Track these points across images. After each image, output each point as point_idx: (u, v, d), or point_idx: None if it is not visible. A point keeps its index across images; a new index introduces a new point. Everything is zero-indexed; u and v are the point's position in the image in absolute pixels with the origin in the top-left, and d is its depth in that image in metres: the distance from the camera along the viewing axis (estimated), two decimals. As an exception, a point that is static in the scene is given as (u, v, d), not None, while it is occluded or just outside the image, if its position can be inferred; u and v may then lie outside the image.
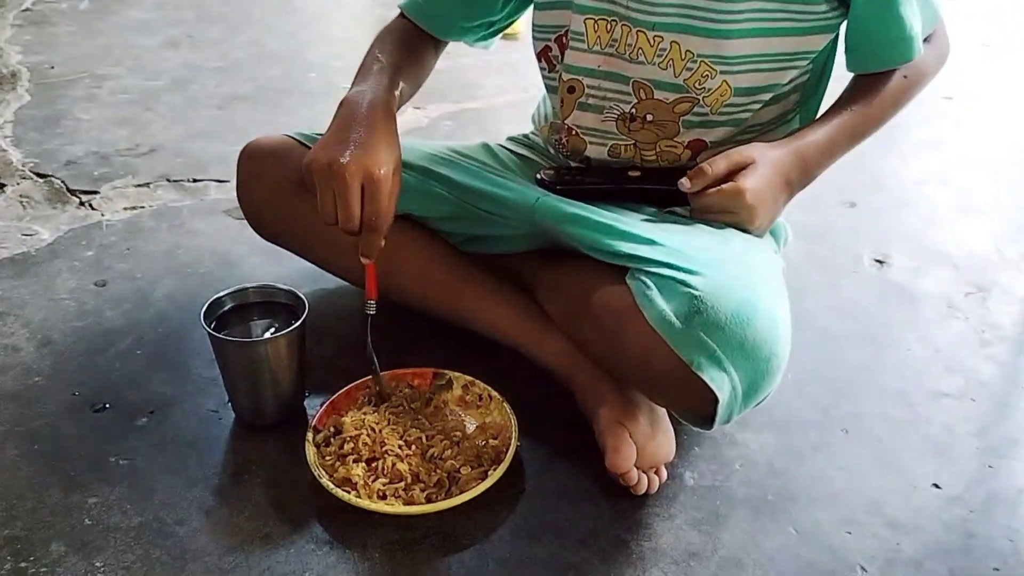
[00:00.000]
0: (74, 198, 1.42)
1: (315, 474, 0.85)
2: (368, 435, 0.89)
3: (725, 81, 0.91)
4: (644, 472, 0.86)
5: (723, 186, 0.87)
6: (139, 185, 1.46)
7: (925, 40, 0.94)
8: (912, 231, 1.39)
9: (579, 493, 0.88)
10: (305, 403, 0.98)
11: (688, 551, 0.82)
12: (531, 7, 1.01)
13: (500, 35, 1.10)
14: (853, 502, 0.88)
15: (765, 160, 0.89)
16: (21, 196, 1.42)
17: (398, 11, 1.05)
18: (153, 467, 0.90)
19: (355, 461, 0.86)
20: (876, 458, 0.94)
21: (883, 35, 0.90)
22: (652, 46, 0.91)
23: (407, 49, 1.00)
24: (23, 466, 0.90)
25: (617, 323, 0.82)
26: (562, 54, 0.97)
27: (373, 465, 0.86)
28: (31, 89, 1.83)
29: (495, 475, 0.84)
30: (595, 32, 0.93)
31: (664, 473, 0.89)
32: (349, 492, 0.84)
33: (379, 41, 1.00)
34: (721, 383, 0.77)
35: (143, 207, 1.40)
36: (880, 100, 0.94)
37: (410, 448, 0.88)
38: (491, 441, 0.89)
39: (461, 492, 0.83)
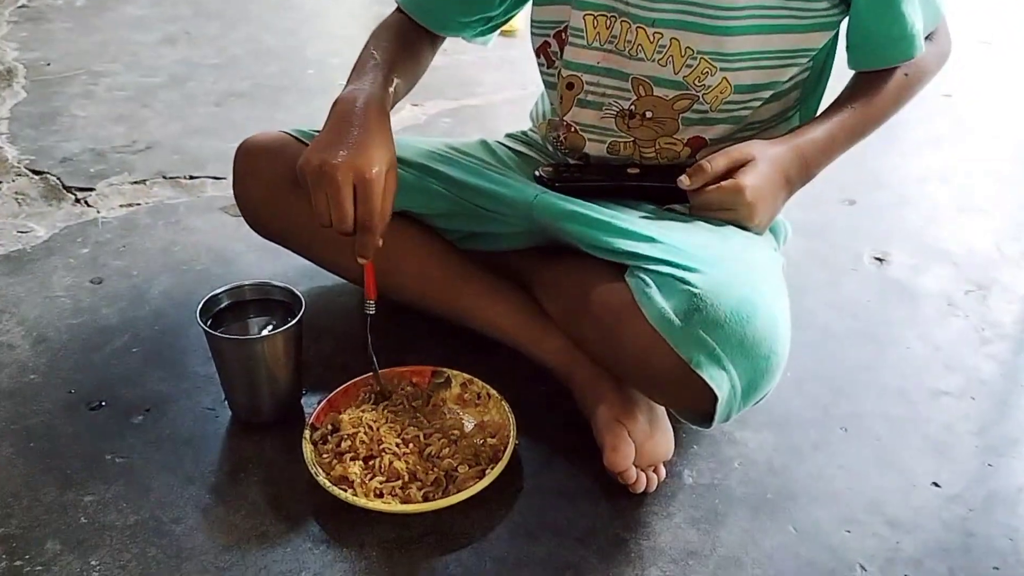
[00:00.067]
0: (70, 195, 1.41)
1: (312, 472, 0.85)
2: (365, 433, 0.88)
3: (725, 78, 0.90)
4: (643, 470, 0.86)
5: (723, 183, 0.87)
6: (135, 182, 1.46)
7: (927, 38, 0.94)
8: (912, 229, 1.39)
9: (578, 492, 0.88)
10: (302, 401, 0.97)
11: (687, 550, 0.82)
12: (529, 3, 1.00)
13: (498, 31, 1.10)
14: (853, 501, 0.88)
15: (765, 157, 0.88)
16: (17, 193, 1.41)
17: (395, 6, 1.04)
18: (149, 465, 0.90)
19: (352, 459, 0.86)
20: (876, 457, 0.93)
21: (884, 33, 0.90)
22: (652, 42, 0.90)
23: (403, 44, 0.99)
24: (18, 464, 0.90)
25: (616, 321, 0.82)
26: (561, 50, 0.97)
27: (370, 463, 0.86)
28: (27, 86, 1.82)
29: (492, 474, 0.84)
30: (594, 28, 0.92)
31: (663, 471, 0.88)
32: (346, 490, 0.83)
33: (375, 37, 1.00)
34: (720, 381, 0.76)
35: (139, 204, 1.39)
36: (881, 98, 0.94)
37: (407, 446, 0.88)
38: (489, 440, 0.89)
39: (458, 491, 0.83)
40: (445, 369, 0.97)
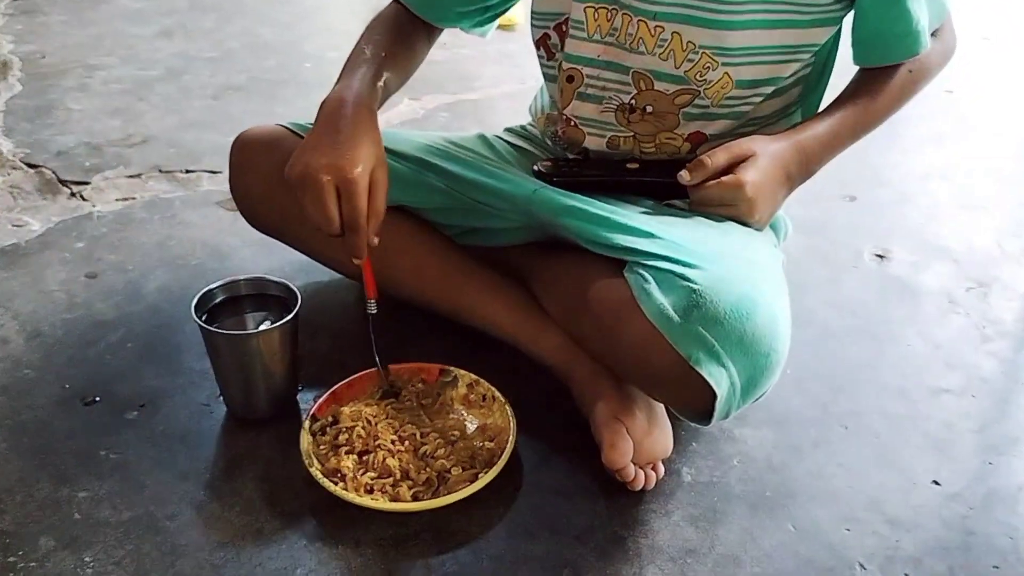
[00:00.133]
0: (65, 189, 1.40)
1: (305, 462, 0.84)
2: (363, 427, 0.88)
3: (727, 73, 0.89)
4: (641, 468, 0.86)
5: (723, 178, 0.86)
6: (131, 176, 1.45)
7: (932, 34, 0.93)
8: (913, 226, 1.38)
9: (576, 489, 0.87)
10: (298, 397, 0.97)
11: (685, 548, 0.82)
12: (529, -6, 0.99)
13: (496, 23, 1.08)
14: (852, 499, 0.87)
15: (765, 153, 0.88)
16: (11, 187, 1.40)
17: (392, -2, 1.04)
18: (143, 461, 0.89)
19: (347, 452, 0.86)
20: (875, 455, 0.93)
21: (890, 29, 0.89)
22: (653, 36, 0.89)
23: (398, 37, 0.98)
24: (12, 459, 0.89)
25: (615, 317, 0.81)
26: (561, 42, 0.96)
27: (364, 458, 0.85)
28: (22, 79, 1.81)
29: (484, 479, 0.83)
30: (595, 21, 0.92)
31: (661, 469, 0.88)
32: (337, 483, 0.83)
33: (369, 29, 0.99)
34: (719, 378, 0.76)
35: (135, 198, 1.39)
36: (884, 95, 0.93)
37: (403, 444, 0.87)
38: (487, 444, 0.88)
39: (449, 492, 0.82)
40: (452, 368, 0.97)
